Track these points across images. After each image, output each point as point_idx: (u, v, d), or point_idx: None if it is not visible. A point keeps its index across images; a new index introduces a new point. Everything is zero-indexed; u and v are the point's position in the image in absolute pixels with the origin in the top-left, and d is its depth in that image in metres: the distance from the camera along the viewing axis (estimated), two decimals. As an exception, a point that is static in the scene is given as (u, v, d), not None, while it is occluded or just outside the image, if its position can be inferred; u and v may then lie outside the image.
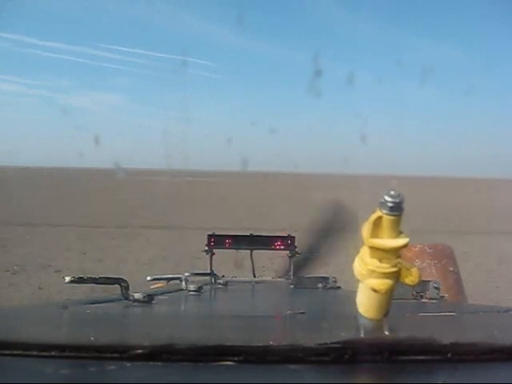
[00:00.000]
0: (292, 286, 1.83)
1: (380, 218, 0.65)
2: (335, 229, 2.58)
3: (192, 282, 1.59)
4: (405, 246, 0.65)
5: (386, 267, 0.66)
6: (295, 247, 2.32)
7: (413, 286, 0.77)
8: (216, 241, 2.29)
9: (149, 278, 1.74)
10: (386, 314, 0.70)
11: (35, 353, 0.65)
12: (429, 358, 0.65)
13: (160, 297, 1.32)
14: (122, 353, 0.63)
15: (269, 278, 2.34)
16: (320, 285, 1.77)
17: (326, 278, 1.80)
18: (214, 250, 2.26)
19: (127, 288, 1.14)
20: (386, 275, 0.67)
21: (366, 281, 0.68)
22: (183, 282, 1.58)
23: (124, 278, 1.16)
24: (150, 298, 1.17)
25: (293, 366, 0.62)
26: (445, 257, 2.43)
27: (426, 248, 2.41)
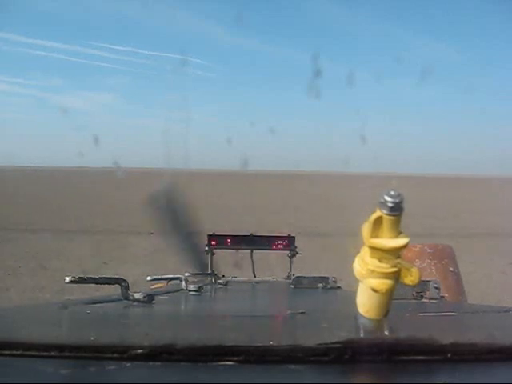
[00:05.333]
0: (292, 286, 1.83)
1: (380, 217, 0.65)
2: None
3: (192, 282, 1.59)
4: (405, 246, 0.65)
5: (386, 267, 0.66)
6: (295, 247, 2.31)
7: (413, 286, 0.77)
8: (216, 241, 2.29)
9: (149, 278, 1.74)
10: (385, 314, 0.70)
11: (35, 353, 0.65)
12: (429, 358, 0.65)
13: (160, 297, 1.32)
14: (121, 353, 0.63)
15: (269, 278, 2.35)
16: (320, 285, 1.77)
17: (325, 278, 1.80)
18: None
19: (127, 288, 1.14)
20: (385, 275, 0.67)
21: (365, 281, 0.68)
22: (183, 282, 1.58)
23: (124, 277, 1.17)
24: (150, 298, 1.17)
25: (293, 366, 0.62)
26: (445, 257, 2.43)
27: (426, 248, 2.41)
